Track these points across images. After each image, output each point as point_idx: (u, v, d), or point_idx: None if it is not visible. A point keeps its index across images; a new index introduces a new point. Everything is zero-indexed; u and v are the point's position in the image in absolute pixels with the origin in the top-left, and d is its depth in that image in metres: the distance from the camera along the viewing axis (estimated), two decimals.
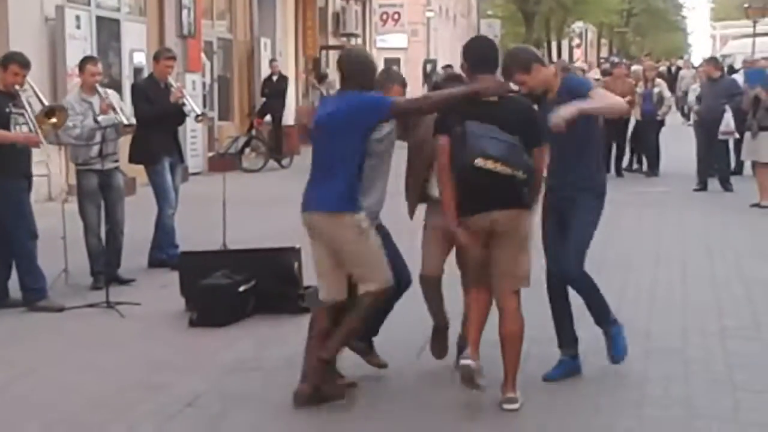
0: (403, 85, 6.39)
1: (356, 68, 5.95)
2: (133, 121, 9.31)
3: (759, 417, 5.71)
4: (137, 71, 16.80)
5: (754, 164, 14.68)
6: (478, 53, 6.02)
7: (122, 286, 8.98)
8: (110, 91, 9.50)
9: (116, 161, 9.40)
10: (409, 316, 6.80)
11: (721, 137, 15.99)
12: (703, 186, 16.00)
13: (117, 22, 16.91)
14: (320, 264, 6.04)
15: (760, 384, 6.26)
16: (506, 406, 5.78)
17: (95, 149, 8.98)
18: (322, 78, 24.53)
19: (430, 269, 6.43)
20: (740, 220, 13.12)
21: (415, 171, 6.42)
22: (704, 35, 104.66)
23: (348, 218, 5.83)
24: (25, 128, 8.32)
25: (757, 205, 14.01)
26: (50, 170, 13.07)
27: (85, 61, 9.51)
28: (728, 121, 15.78)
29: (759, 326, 7.68)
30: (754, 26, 43.38)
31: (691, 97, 17.78)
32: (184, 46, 18.86)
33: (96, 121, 9.03)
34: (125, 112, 9.33)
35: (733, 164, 17.12)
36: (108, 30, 16.59)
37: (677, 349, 7.09)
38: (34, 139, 8.36)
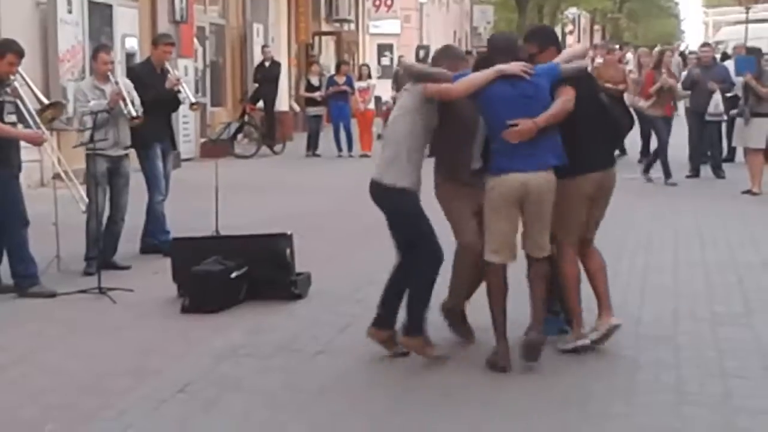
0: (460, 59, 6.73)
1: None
2: (139, 112, 9.27)
3: (749, 403, 5.73)
4: (129, 56, 16.77)
5: (746, 151, 14.70)
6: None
7: (115, 272, 8.98)
8: (124, 81, 9.48)
9: (126, 149, 9.40)
10: None
11: (708, 118, 15.97)
12: (695, 173, 16.04)
13: (109, 6, 16.86)
14: (512, 227, 6.29)
15: (750, 370, 6.28)
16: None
17: (87, 134, 8.95)
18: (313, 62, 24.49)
19: (473, 240, 6.52)
20: (732, 206, 13.15)
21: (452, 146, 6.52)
22: (697, 21, 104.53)
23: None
24: (13, 117, 8.29)
25: (748, 191, 14.05)
26: (42, 156, 13.05)
27: (98, 50, 9.57)
28: (717, 102, 15.82)
29: (750, 313, 7.70)
30: (747, 12, 43.38)
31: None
32: (177, 31, 18.81)
33: (107, 111, 9.02)
34: (135, 103, 9.31)
35: (725, 151, 17.15)
36: (100, 15, 16.54)
37: (668, 335, 7.11)
38: (38, 138, 8.37)
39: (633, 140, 16.42)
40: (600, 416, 5.59)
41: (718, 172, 16.07)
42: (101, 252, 8.97)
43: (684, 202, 13.59)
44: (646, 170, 15.88)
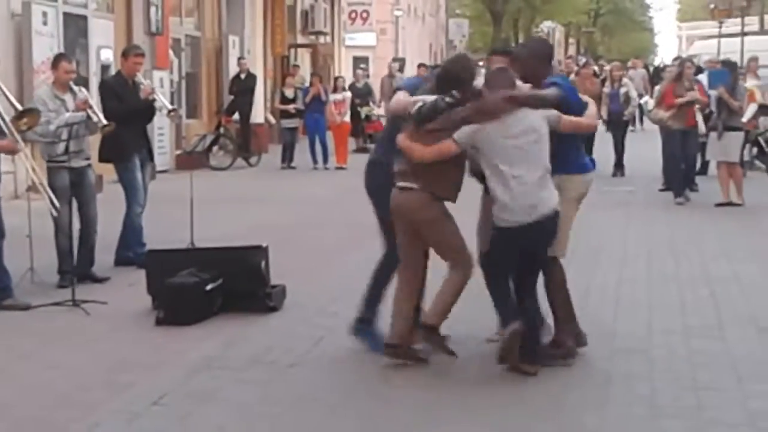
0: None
1: None
2: (105, 122, 9.23)
3: (722, 415, 5.77)
4: (104, 68, 16.75)
5: (718, 164, 14.78)
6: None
7: (91, 285, 8.95)
8: (84, 90, 9.45)
9: (88, 159, 9.36)
10: None
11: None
12: (668, 186, 16.11)
13: (84, 18, 16.84)
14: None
15: (722, 383, 6.32)
16: None
17: (62, 146, 8.93)
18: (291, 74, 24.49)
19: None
20: (705, 219, 13.23)
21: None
22: (671, 35, 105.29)
23: None
24: None
25: (723, 204, 14.12)
26: (17, 167, 13.00)
27: (58, 59, 9.50)
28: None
29: (722, 325, 7.75)
30: (720, 27, 43.78)
31: (644, 99, 17.79)
32: (152, 43, 18.81)
33: (85, 119, 9.00)
34: (98, 113, 9.28)
35: (698, 164, 17.25)
36: (75, 26, 16.52)
37: (642, 348, 7.14)
38: (12, 148, 8.34)
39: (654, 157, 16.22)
40: (573, 428, 5.61)
41: (691, 186, 16.16)
42: (77, 265, 8.93)
43: (657, 215, 13.66)
44: (677, 194, 14.92)
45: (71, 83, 9.22)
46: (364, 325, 6.89)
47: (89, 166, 9.41)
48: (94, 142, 9.67)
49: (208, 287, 7.95)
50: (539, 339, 6.58)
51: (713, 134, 14.60)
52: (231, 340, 7.34)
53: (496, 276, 6.52)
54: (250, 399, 6.02)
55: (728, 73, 15.03)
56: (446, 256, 6.54)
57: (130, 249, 9.98)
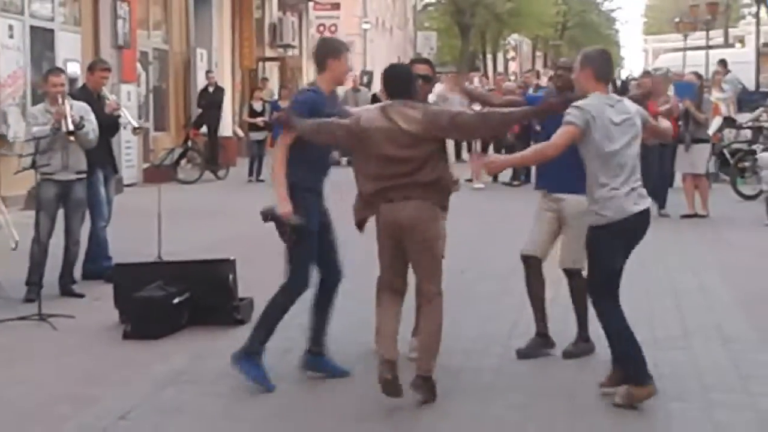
0: None
1: None
2: (73, 128, 9.18)
3: (687, 426, 5.82)
4: (72, 81, 16.64)
5: (684, 176, 14.88)
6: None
7: (58, 299, 8.92)
8: (79, 104, 9.40)
9: (79, 173, 9.33)
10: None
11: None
12: None
13: (51, 32, 16.79)
14: None
15: (688, 393, 6.37)
16: None
17: (28, 160, 8.88)
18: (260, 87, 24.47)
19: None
20: (670, 231, 13.32)
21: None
22: (637, 49, 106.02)
23: None
24: None
25: (689, 216, 14.23)
26: None
27: (48, 73, 9.62)
28: None
29: (687, 336, 7.82)
30: (685, 40, 44.13)
31: None
32: (119, 56, 18.75)
33: (52, 131, 8.99)
34: (92, 125, 9.25)
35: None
36: (42, 40, 16.46)
37: (607, 358, 7.17)
38: None
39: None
40: None
41: (662, 203, 16.22)
42: (60, 278, 8.99)
43: None
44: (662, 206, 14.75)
45: (59, 96, 9.19)
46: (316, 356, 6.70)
47: (79, 180, 9.38)
48: None
49: (176, 300, 7.93)
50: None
51: (681, 146, 14.71)
52: (199, 353, 7.33)
53: (610, 293, 6.17)
54: (218, 413, 6.01)
55: (694, 85, 15.15)
56: (432, 281, 6.09)
57: (97, 263, 9.95)
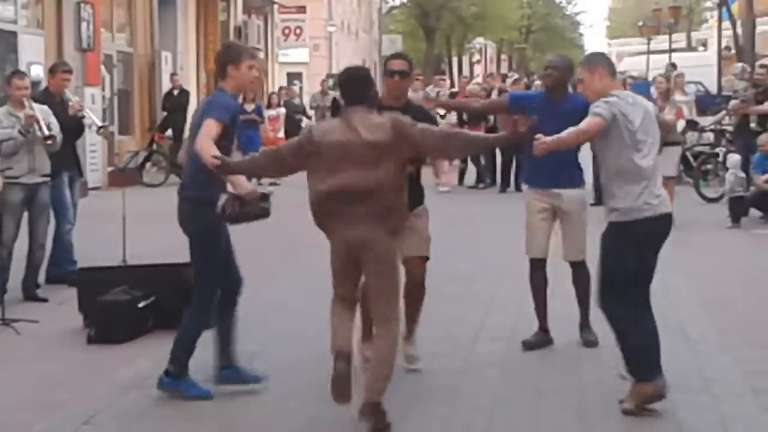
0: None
1: None
2: (49, 132, 9.12)
3: (651, 428, 5.86)
4: (35, 84, 16.53)
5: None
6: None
7: (21, 303, 8.87)
8: (40, 106, 9.34)
9: (44, 176, 9.28)
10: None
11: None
12: (598, 200, 16.27)
13: (14, 34, 16.69)
14: None
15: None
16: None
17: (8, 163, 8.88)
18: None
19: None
20: None
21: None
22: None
23: None
24: None
25: None
26: None
27: (11, 76, 9.54)
28: None
29: None
30: (648, 44, 44.44)
31: None
32: (83, 59, 18.66)
33: (22, 134, 8.93)
34: (53, 128, 9.20)
35: None
36: (5, 42, 16.36)
37: (572, 361, 7.23)
38: None
39: None
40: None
41: None
42: (24, 283, 9.01)
43: (589, 229, 13.78)
44: None
45: (24, 99, 9.14)
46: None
47: (45, 183, 9.33)
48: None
49: (141, 305, 7.91)
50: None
51: None
52: (163, 358, 7.24)
53: (625, 301, 6.09)
54: (182, 417, 6.00)
55: (648, 84, 15.28)
56: (390, 304, 5.75)
57: (61, 266, 9.90)
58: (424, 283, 6.83)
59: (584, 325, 7.64)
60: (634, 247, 6.03)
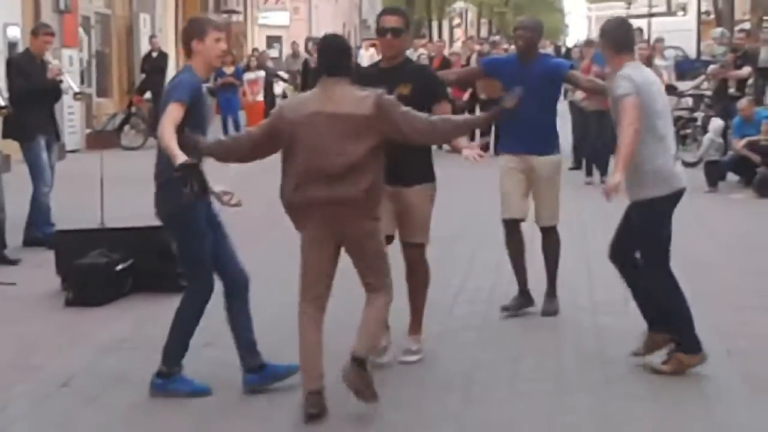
0: None
1: None
2: (5, 103, 9.06)
3: (627, 388, 5.92)
4: (11, 46, 16.41)
5: None
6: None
7: (1, 267, 8.85)
8: None
9: None
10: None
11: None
12: (577, 165, 16.30)
13: None
14: None
15: (626, 356, 6.46)
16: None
17: None
18: None
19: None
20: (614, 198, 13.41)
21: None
22: (581, 16, 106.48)
23: None
24: None
25: None
26: None
27: None
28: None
29: (628, 300, 7.88)
30: (629, 8, 44.40)
31: None
32: (61, 20, 18.47)
33: None
34: (3, 94, 9.15)
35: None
36: None
37: (550, 324, 7.28)
38: None
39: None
40: (481, 402, 5.72)
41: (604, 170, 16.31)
42: None
43: (566, 193, 13.79)
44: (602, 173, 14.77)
45: None
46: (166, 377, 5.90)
47: None
48: None
49: (119, 267, 7.90)
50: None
51: None
52: (142, 320, 7.31)
53: (669, 273, 6.20)
54: None
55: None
56: (378, 275, 5.51)
57: (39, 229, 9.87)
58: (425, 268, 6.49)
59: (550, 293, 7.55)
60: (669, 217, 6.21)
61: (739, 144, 14.16)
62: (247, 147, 5.65)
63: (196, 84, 5.74)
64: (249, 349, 5.89)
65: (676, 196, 6.25)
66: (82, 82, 19.09)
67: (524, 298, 7.54)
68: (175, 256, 8.08)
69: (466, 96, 18.80)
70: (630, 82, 5.95)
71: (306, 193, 5.37)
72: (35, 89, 9.69)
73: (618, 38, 6.22)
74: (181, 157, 5.32)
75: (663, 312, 6.22)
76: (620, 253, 6.38)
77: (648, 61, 14.84)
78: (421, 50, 23.12)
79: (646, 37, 24.85)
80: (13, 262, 9.11)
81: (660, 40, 20.54)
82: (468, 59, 20.60)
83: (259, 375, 5.87)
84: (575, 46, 30.00)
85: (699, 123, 16.86)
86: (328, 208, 5.34)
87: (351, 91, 5.40)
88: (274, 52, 36.55)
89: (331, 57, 5.49)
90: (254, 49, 23.90)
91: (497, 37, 29.15)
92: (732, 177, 14.40)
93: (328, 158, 5.30)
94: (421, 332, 6.48)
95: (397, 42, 6.24)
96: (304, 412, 5.37)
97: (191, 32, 5.77)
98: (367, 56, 26.06)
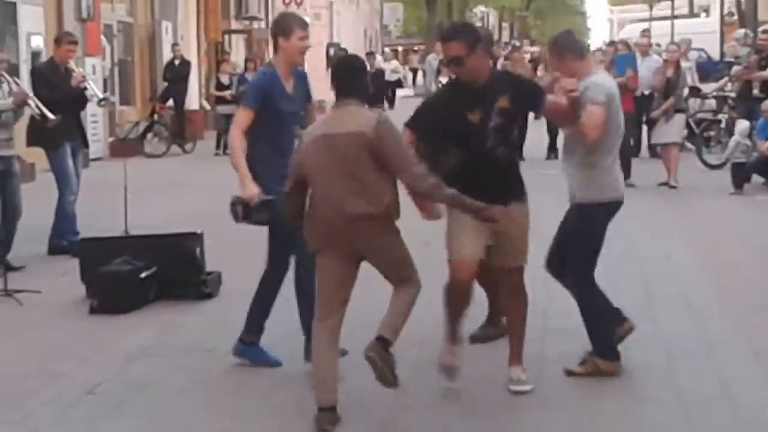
0: None
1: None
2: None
3: (651, 393, 5.89)
4: (35, 55, 16.53)
5: (667, 146, 14.76)
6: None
7: (24, 274, 8.89)
8: (14, 79, 9.35)
9: (10, 147, 9.27)
10: None
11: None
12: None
13: (13, 4, 16.61)
14: None
15: (652, 362, 6.44)
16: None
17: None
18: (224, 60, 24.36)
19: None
20: (635, 199, 13.37)
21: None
22: (602, 19, 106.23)
23: None
24: None
25: (664, 184, 14.33)
26: None
27: None
28: None
29: (652, 305, 7.88)
30: (651, 10, 44.28)
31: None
32: (83, 29, 18.58)
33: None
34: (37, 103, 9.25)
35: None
36: (4, 13, 16.29)
37: (573, 329, 7.21)
38: None
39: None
40: (505, 407, 5.70)
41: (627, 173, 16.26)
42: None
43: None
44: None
45: (3, 72, 9.14)
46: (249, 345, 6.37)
47: (15, 155, 9.34)
48: (19, 129, 9.59)
49: (143, 275, 7.92)
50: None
51: (662, 118, 14.65)
52: (166, 327, 7.33)
53: (592, 281, 6.38)
54: (186, 387, 6.02)
55: (633, 56, 15.41)
56: (402, 273, 5.49)
57: (63, 237, 9.92)
58: (525, 293, 6.27)
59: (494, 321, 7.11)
60: (604, 228, 6.34)
61: (764, 146, 14.06)
62: (293, 202, 5.62)
63: (261, 83, 6.16)
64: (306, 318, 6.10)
65: (615, 206, 6.32)
66: (105, 90, 19.17)
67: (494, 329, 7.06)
68: (199, 263, 8.19)
69: None
70: (603, 91, 5.96)
71: (320, 212, 5.40)
72: (61, 97, 9.74)
73: (574, 45, 6.19)
74: (244, 182, 6.00)
75: (584, 317, 6.31)
76: (556, 264, 6.53)
77: (676, 65, 14.83)
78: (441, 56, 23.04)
79: (670, 39, 24.79)
80: (16, 269, 9.12)
81: (686, 41, 20.43)
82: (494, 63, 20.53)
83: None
84: (598, 49, 30.00)
85: (723, 125, 16.78)
86: (345, 225, 5.31)
87: (360, 111, 5.37)
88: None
89: (340, 78, 5.44)
90: (253, 55, 23.91)
91: (517, 42, 29.08)
92: (757, 179, 14.30)
93: (338, 180, 5.30)
94: (523, 361, 6.15)
95: (464, 70, 5.77)
96: (317, 428, 5.36)
97: (278, 29, 6.18)
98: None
